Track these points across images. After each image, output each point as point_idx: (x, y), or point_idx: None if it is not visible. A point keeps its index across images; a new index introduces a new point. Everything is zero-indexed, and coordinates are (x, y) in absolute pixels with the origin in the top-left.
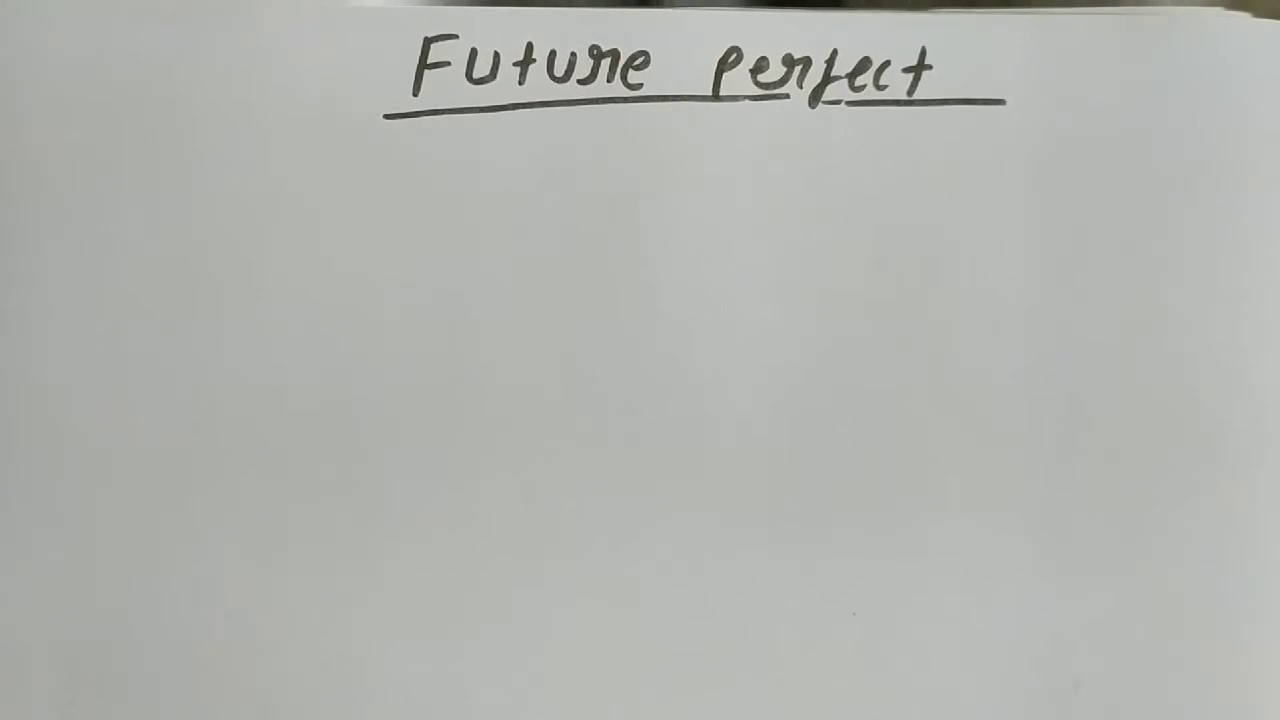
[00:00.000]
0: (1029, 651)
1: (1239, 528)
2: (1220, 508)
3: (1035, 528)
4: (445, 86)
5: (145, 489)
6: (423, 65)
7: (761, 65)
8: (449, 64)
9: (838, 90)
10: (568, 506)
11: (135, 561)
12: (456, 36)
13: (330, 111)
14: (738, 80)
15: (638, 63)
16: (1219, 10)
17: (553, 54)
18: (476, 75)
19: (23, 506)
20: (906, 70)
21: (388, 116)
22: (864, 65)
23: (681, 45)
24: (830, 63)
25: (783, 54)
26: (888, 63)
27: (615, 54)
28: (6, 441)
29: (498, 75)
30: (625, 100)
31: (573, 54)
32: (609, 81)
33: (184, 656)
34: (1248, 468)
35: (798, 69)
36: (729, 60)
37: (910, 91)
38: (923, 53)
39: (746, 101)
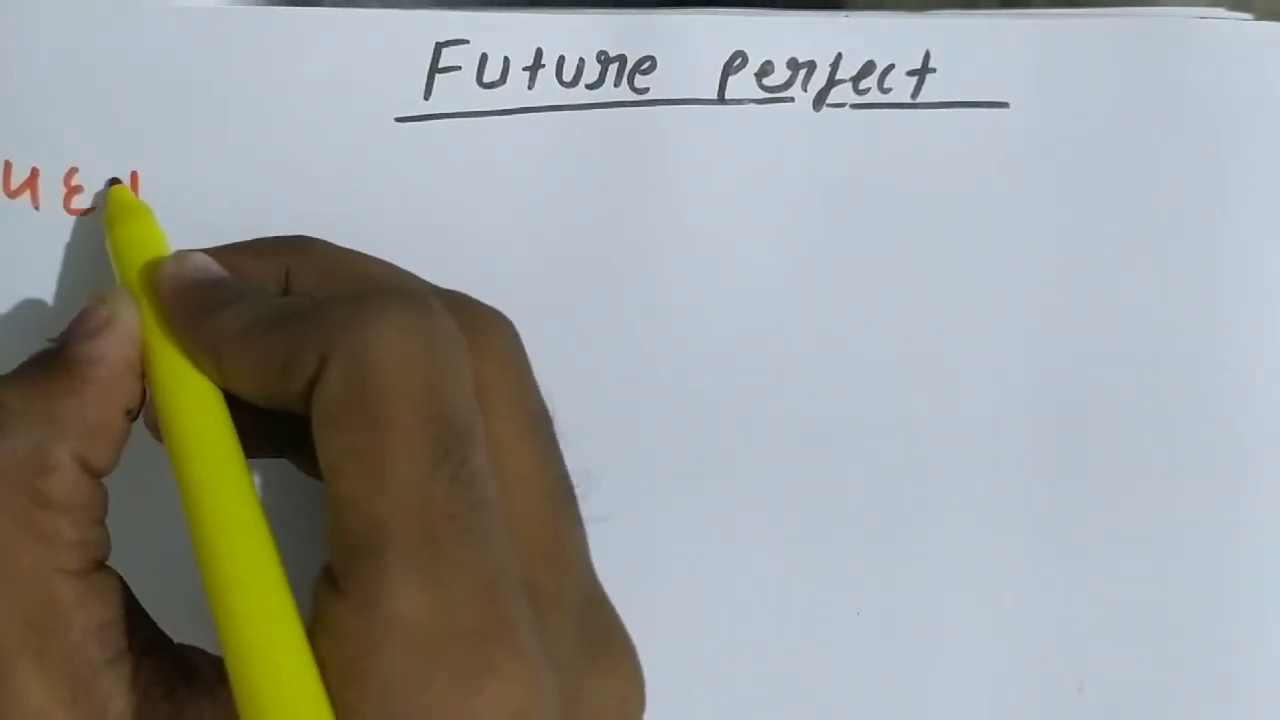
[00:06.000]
0: (1032, 652)
1: (1242, 529)
2: (1223, 509)
3: (1038, 529)
4: (456, 90)
5: (149, 491)
6: (434, 69)
7: (766, 69)
8: (459, 68)
9: (842, 93)
10: None
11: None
12: (467, 41)
13: (342, 114)
14: (743, 84)
15: (644, 67)
16: (1221, 12)
17: (561, 59)
18: (487, 79)
19: None
20: (910, 73)
21: (399, 119)
22: (868, 68)
23: (687, 50)
24: (835, 66)
25: (787, 58)
26: (892, 66)
27: (622, 59)
28: None
29: (507, 79)
30: (632, 104)
31: (581, 59)
32: (616, 86)
33: None
34: (1250, 469)
35: (802, 72)
36: (734, 64)
37: (914, 94)
38: (927, 56)
39: (751, 105)
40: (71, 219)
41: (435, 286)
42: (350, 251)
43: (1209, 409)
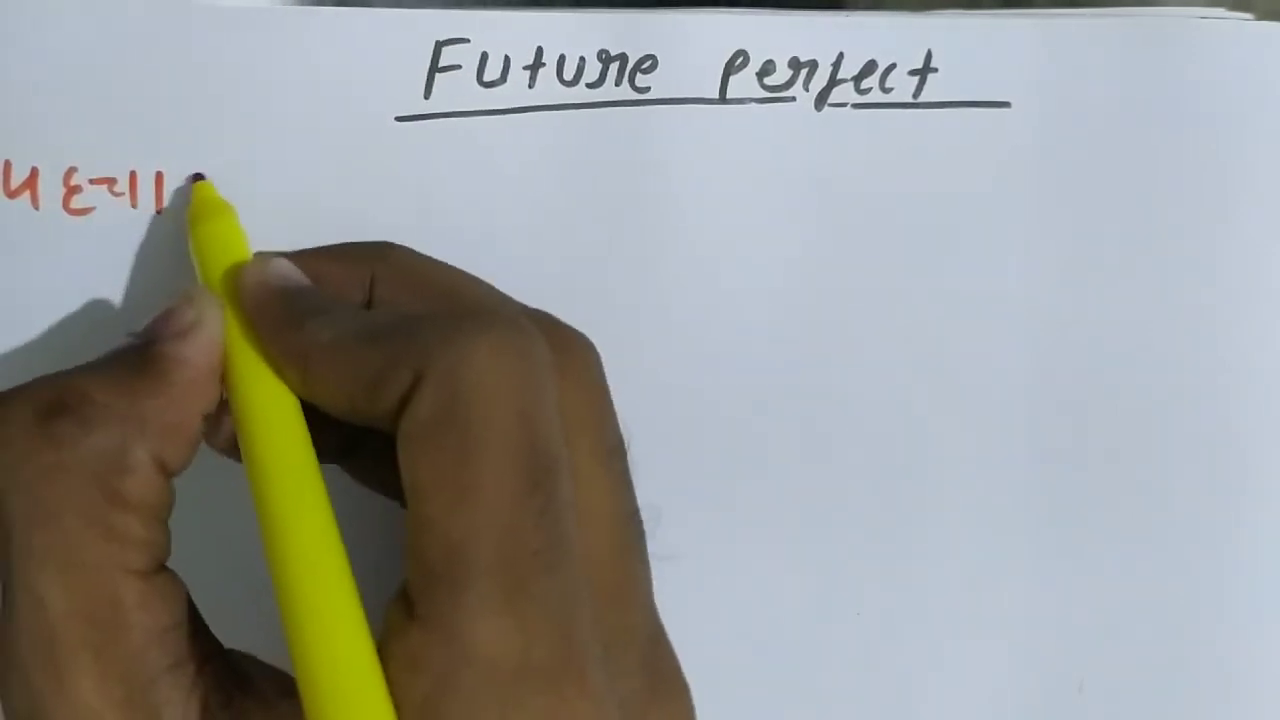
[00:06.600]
0: (1032, 652)
1: (1242, 529)
2: (1223, 508)
3: (1038, 529)
4: (456, 89)
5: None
6: (434, 68)
7: (768, 68)
8: (460, 67)
9: (843, 93)
10: None
11: None
12: (468, 40)
13: (342, 113)
14: (744, 83)
15: (645, 66)
16: (1221, 12)
17: (562, 58)
18: (487, 79)
19: None
20: (912, 73)
21: (399, 119)
22: (870, 68)
23: (688, 49)
24: (836, 65)
25: (789, 57)
26: (893, 65)
27: (623, 58)
28: None
29: (508, 79)
30: (633, 104)
31: (581, 58)
32: (617, 85)
33: None
34: (1250, 469)
35: (804, 72)
36: (735, 63)
37: (916, 94)
38: (928, 55)
39: (753, 104)
40: (71, 219)
41: (521, 304)
42: (432, 261)
43: (1209, 409)
